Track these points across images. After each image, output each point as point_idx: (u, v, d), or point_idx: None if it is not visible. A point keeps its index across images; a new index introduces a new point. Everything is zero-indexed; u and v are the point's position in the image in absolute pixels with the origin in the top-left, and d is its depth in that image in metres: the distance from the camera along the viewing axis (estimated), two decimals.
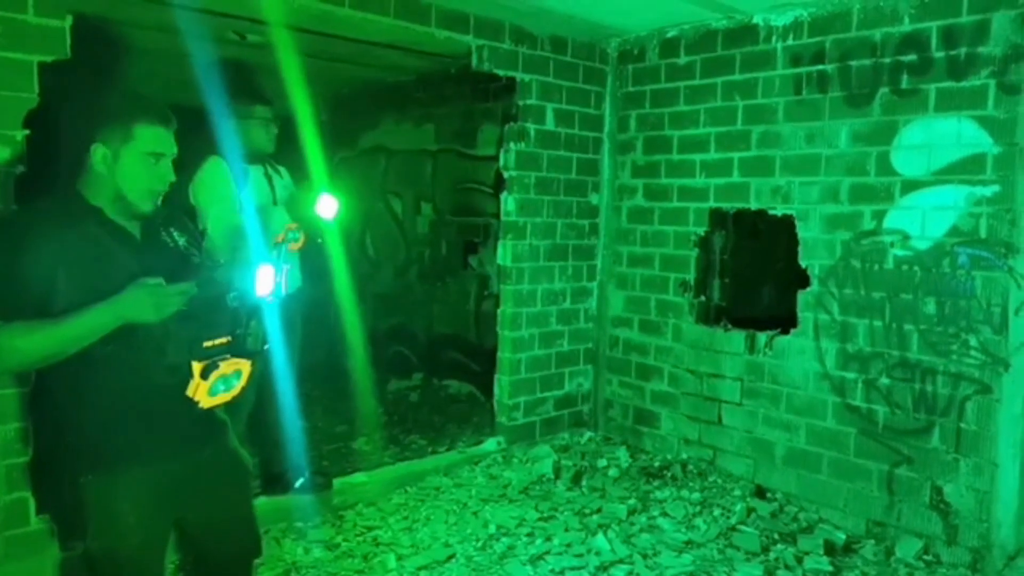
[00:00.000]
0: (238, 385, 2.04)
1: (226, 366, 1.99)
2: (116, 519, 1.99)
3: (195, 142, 3.60)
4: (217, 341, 1.99)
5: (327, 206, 3.60)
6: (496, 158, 4.98)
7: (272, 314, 2.21)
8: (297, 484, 3.85)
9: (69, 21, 2.92)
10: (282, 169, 3.77)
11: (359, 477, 4.15)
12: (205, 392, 1.96)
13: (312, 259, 3.84)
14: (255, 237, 3.53)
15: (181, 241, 2.17)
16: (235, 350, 2.02)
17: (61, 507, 2.03)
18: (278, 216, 3.58)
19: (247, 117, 3.62)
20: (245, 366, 2.03)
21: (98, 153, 1.97)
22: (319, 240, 3.72)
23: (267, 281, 2.10)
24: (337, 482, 4.04)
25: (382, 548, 3.50)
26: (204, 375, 1.95)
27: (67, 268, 1.90)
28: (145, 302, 1.91)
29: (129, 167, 1.98)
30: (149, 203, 2.03)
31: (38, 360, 1.90)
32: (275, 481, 3.84)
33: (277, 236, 3.53)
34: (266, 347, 2.15)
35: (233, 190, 3.53)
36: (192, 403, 1.98)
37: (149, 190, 2.02)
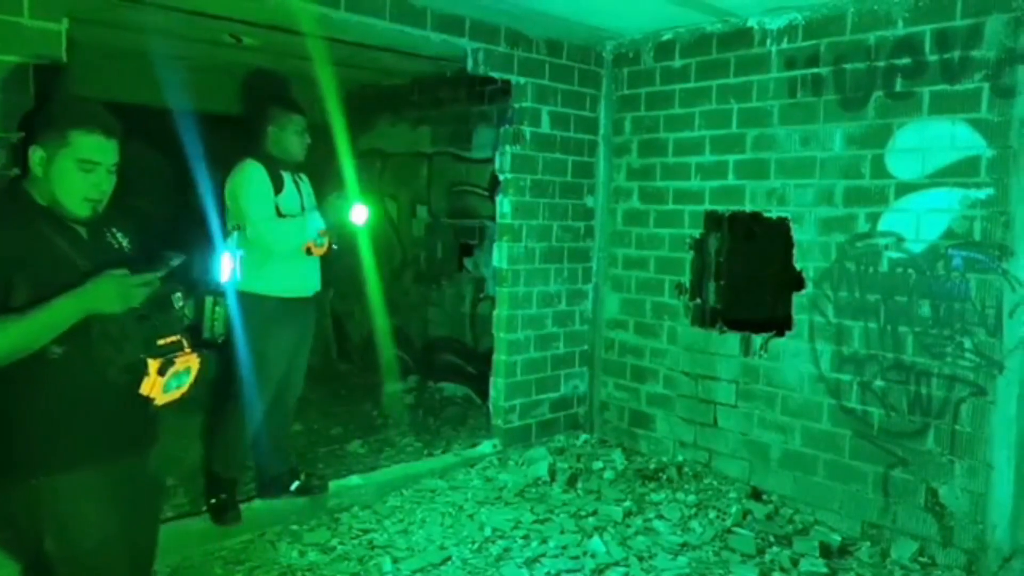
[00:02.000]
0: (188, 382, 2.08)
1: (179, 363, 2.02)
2: (75, 519, 2.00)
3: (233, 146, 3.64)
4: (170, 339, 2.04)
5: (359, 213, 3.71)
6: (492, 161, 4.99)
7: (231, 299, 2.24)
8: (293, 487, 3.85)
9: (65, 24, 2.92)
10: (304, 176, 3.79)
11: (354, 480, 4.15)
12: (160, 389, 1.99)
13: (329, 264, 3.87)
14: (289, 239, 3.58)
15: (124, 242, 2.18)
16: (198, 339, 2.08)
17: (11, 513, 2.00)
18: (312, 221, 3.60)
19: (284, 125, 3.64)
20: (195, 363, 2.07)
21: (35, 155, 1.98)
22: (335, 247, 3.75)
23: (227, 268, 2.13)
24: (333, 485, 4.03)
25: (378, 551, 3.50)
26: (161, 372, 1.98)
27: (24, 267, 1.90)
28: (111, 293, 1.92)
29: (62, 172, 1.98)
30: (84, 209, 2.02)
31: (1, 357, 1.87)
32: (271, 484, 3.84)
33: (310, 242, 3.60)
34: (222, 337, 2.19)
35: (271, 194, 3.56)
36: (144, 402, 1.99)
37: (83, 197, 2.00)
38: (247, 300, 3.48)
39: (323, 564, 3.36)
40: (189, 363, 2.06)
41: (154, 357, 1.98)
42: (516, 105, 4.73)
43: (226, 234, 3.56)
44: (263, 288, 3.52)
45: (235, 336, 3.51)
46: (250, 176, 3.53)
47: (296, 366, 3.81)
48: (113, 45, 5.03)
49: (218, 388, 3.60)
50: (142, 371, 1.97)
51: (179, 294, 2.09)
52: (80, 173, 1.98)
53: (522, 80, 4.65)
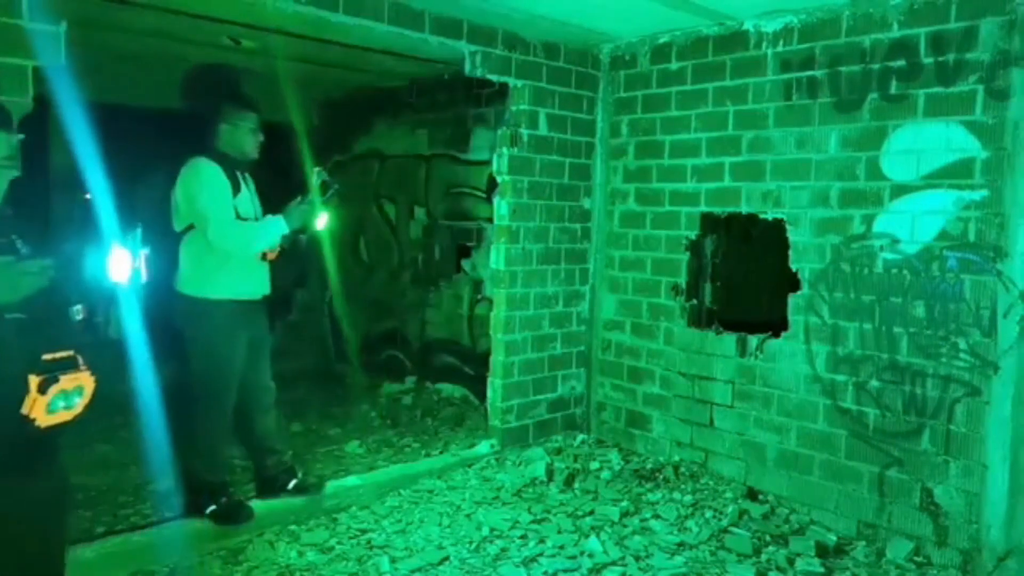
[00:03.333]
0: (80, 403, 1.90)
1: (67, 381, 1.84)
2: None
3: (184, 144, 3.56)
4: (59, 355, 1.86)
5: (321, 219, 3.71)
6: (489, 163, 5.00)
7: (132, 300, 2.15)
8: (290, 486, 3.86)
9: (64, 27, 2.93)
10: (249, 176, 3.72)
11: (353, 480, 4.16)
12: (43, 409, 1.82)
13: (303, 265, 3.84)
14: (257, 243, 3.56)
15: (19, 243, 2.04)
16: (93, 338, 1.93)
17: None
18: (276, 226, 3.58)
19: (238, 123, 3.59)
20: (88, 381, 1.90)
21: None
22: (301, 249, 3.73)
23: (122, 266, 2.00)
24: (331, 485, 4.05)
25: (376, 551, 3.51)
26: (42, 389, 1.80)
27: None
28: None
29: None
30: None
31: None
32: (268, 484, 3.85)
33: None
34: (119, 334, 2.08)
35: (230, 195, 3.52)
36: (26, 423, 1.80)
37: None
38: (204, 305, 3.50)
39: (321, 564, 3.38)
40: (80, 382, 1.88)
41: (36, 373, 1.81)
42: (513, 107, 4.75)
43: (178, 235, 3.50)
44: (220, 292, 3.51)
45: (194, 343, 3.53)
46: (208, 176, 3.46)
47: (260, 368, 3.79)
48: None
49: (184, 400, 3.56)
50: (22, 388, 1.80)
51: (79, 306, 1.94)
52: None
53: (519, 83, 4.67)
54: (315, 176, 3.71)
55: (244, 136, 3.60)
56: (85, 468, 4.04)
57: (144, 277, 2.28)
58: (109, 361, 2.08)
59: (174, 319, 3.53)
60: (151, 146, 4.51)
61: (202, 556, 3.39)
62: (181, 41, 4.93)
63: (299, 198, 3.68)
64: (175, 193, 3.50)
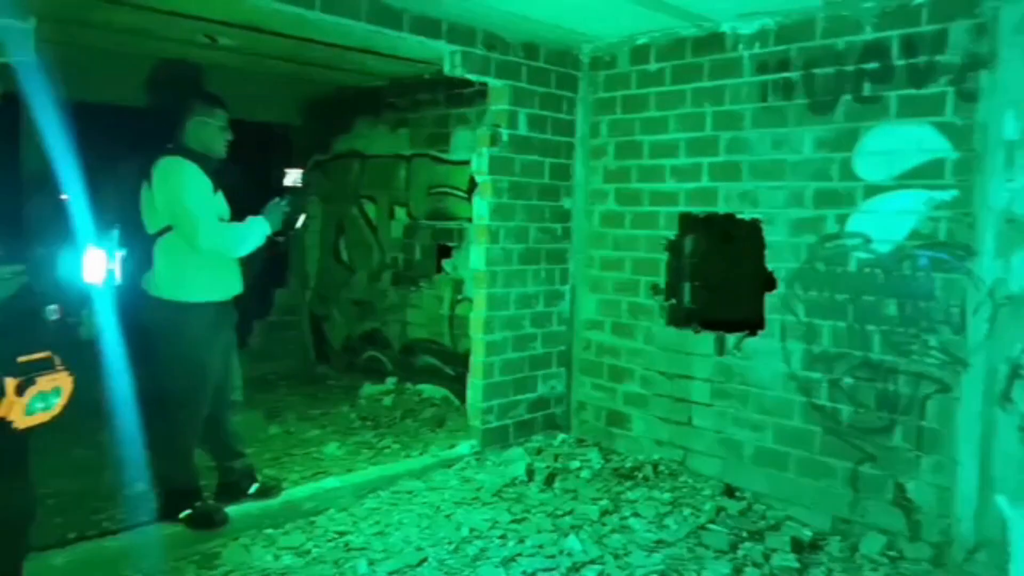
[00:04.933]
0: (58, 403, 1.91)
1: (44, 382, 1.86)
2: None
3: (156, 143, 3.50)
4: (34, 356, 1.87)
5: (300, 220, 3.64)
6: (470, 163, 5.01)
7: (106, 302, 2.14)
8: (251, 491, 3.82)
9: (33, 23, 2.91)
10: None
11: (331, 482, 4.14)
12: (21, 411, 1.83)
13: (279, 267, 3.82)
14: (245, 245, 3.53)
15: None
16: (66, 340, 1.92)
17: None
18: (260, 227, 3.56)
19: (207, 120, 3.53)
20: (66, 382, 1.91)
21: None
22: (279, 240, 3.70)
23: (97, 267, 1.99)
24: (308, 487, 4.04)
25: (353, 553, 3.49)
26: (20, 391, 1.81)
27: None
28: None
29: None
30: None
31: None
32: (231, 488, 3.80)
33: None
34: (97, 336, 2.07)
35: (212, 195, 3.48)
36: (2, 426, 1.81)
37: None
38: (182, 309, 3.44)
39: (298, 567, 3.36)
40: (58, 383, 1.89)
41: (12, 375, 1.82)
42: (493, 107, 4.77)
43: (154, 236, 3.43)
44: (198, 295, 3.47)
45: (171, 347, 3.47)
46: (191, 176, 3.41)
47: (230, 368, 3.77)
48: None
49: (159, 404, 3.51)
50: None
51: (53, 307, 1.94)
52: None
53: (499, 83, 4.68)
54: (292, 177, 3.70)
55: (213, 134, 3.55)
56: (57, 472, 3.99)
57: (118, 279, 2.26)
58: (83, 363, 2.06)
59: (147, 323, 3.45)
60: (128, 145, 4.48)
61: (176, 561, 3.36)
62: (157, 38, 4.91)
63: (277, 199, 3.66)
64: (151, 193, 3.41)
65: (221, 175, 3.58)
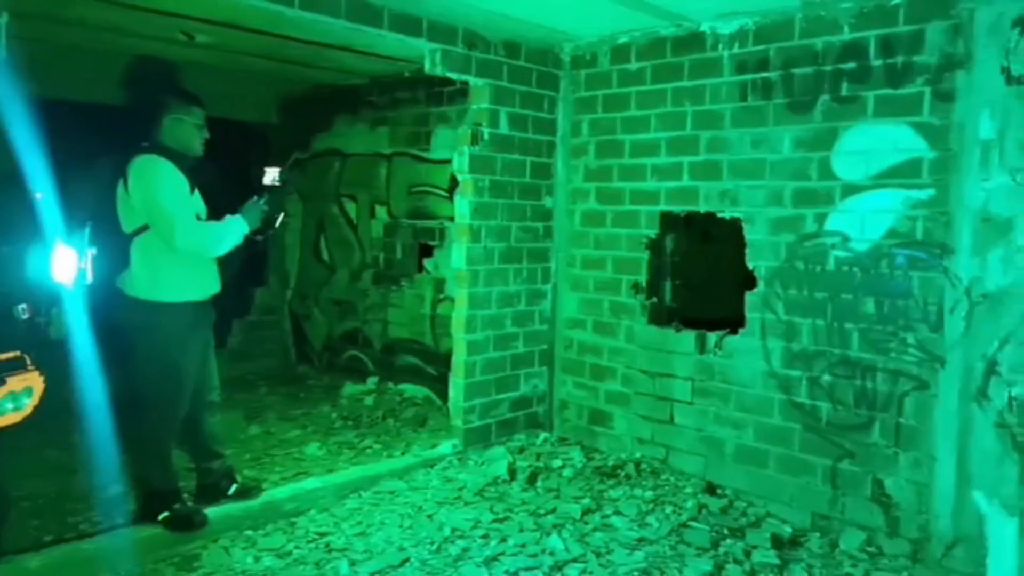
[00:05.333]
0: (29, 404, 1.90)
1: (14, 382, 1.85)
2: None
3: (130, 140, 3.45)
4: (4, 356, 1.86)
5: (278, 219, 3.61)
6: (451, 161, 4.99)
7: (77, 301, 2.11)
8: (231, 491, 3.78)
9: (5, 19, 2.86)
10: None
11: (312, 483, 4.11)
12: None
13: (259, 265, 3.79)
14: (224, 244, 3.49)
15: None
16: (36, 339, 1.91)
17: None
18: (238, 226, 3.53)
19: (184, 118, 3.49)
20: (37, 382, 1.90)
21: None
22: (258, 239, 3.67)
23: (68, 266, 1.97)
24: (289, 488, 4.01)
25: (335, 554, 3.47)
26: None
27: None
28: None
29: None
30: None
31: None
32: (209, 490, 3.77)
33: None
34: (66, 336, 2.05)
35: (189, 194, 3.44)
36: None
37: None
38: (160, 309, 3.41)
39: (278, 569, 3.33)
40: (29, 382, 1.88)
41: None
42: (474, 106, 4.76)
43: (130, 235, 3.39)
44: (176, 295, 3.44)
45: (149, 348, 3.44)
46: (168, 175, 3.36)
47: (208, 368, 3.74)
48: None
49: (135, 405, 3.49)
50: None
51: (23, 306, 1.93)
52: None
53: (480, 81, 4.67)
54: (271, 176, 3.67)
55: (190, 132, 3.51)
56: (31, 474, 3.94)
57: (90, 278, 2.23)
58: (54, 363, 2.03)
59: (122, 323, 3.41)
60: (103, 143, 4.42)
61: (155, 564, 3.32)
62: (133, 36, 4.84)
63: (255, 198, 3.63)
64: (127, 192, 3.35)
65: (198, 173, 3.54)
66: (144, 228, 3.39)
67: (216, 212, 3.58)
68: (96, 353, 2.95)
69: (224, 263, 3.66)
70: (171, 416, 3.55)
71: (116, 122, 4.46)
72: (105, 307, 3.20)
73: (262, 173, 3.77)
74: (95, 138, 4.82)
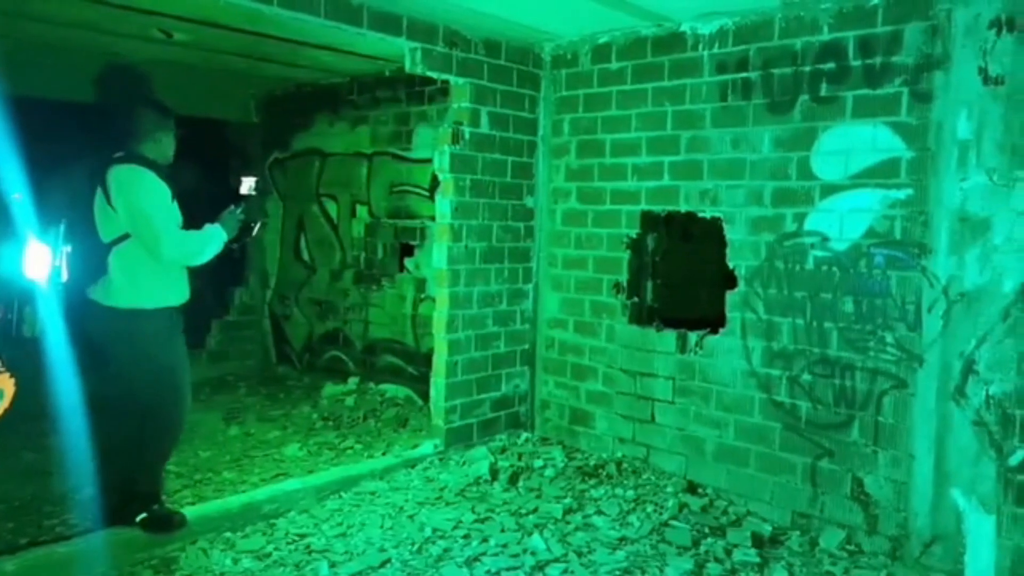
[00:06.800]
0: (0, 406, 1.88)
1: None
2: None
3: (103, 139, 3.42)
4: None
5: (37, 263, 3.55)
6: (432, 161, 4.97)
7: (51, 300, 2.08)
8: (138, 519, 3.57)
9: None
10: None
11: (292, 484, 4.08)
12: None
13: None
14: (206, 253, 3.48)
15: None
16: (7, 337, 1.89)
17: None
18: (218, 235, 3.52)
19: (161, 127, 3.50)
20: (7, 384, 1.87)
21: None
22: (234, 248, 3.66)
23: (40, 263, 1.93)
24: (268, 489, 3.98)
25: (315, 556, 3.44)
26: None
27: None
28: None
29: None
30: None
31: None
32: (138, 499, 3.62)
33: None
34: (38, 334, 2.02)
35: (172, 203, 3.43)
36: None
37: None
38: (143, 316, 3.38)
39: (257, 571, 3.30)
40: (0, 384, 1.86)
41: None
42: (455, 105, 4.74)
43: (110, 243, 3.34)
44: (157, 301, 3.43)
45: (140, 356, 3.41)
46: (154, 186, 3.36)
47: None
48: None
49: (132, 414, 3.45)
50: None
51: None
52: None
53: (461, 80, 4.65)
54: (247, 185, 3.66)
55: (166, 142, 3.53)
56: (6, 477, 3.88)
57: (65, 276, 2.18)
58: (27, 363, 1.99)
59: (101, 334, 3.37)
60: (80, 141, 4.36)
61: (133, 566, 3.28)
62: (109, 34, 4.78)
63: (232, 207, 3.62)
64: (109, 202, 3.31)
65: (173, 180, 3.53)
66: (124, 237, 3.35)
67: (191, 216, 3.56)
68: (71, 352, 2.90)
69: (196, 269, 3.65)
70: (178, 420, 3.56)
71: (92, 120, 4.41)
72: (79, 316, 3.17)
73: (239, 182, 3.77)
74: (71, 136, 4.77)
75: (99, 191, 3.33)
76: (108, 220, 3.34)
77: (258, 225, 3.78)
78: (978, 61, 3.35)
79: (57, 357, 2.90)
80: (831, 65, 3.79)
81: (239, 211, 3.61)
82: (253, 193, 3.70)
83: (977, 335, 3.38)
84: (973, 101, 3.37)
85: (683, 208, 4.40)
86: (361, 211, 6.40)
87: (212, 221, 3.53)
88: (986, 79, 3.34)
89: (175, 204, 3.47)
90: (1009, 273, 3.30)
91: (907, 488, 3.60)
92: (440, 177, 4.72)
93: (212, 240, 3.49)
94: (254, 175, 3.79)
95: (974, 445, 3.39)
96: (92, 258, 3.30)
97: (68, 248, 2.56)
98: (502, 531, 3.73)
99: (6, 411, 1.90)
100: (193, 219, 3.54)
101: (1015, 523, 3.30)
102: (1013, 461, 3.30)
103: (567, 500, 4.09)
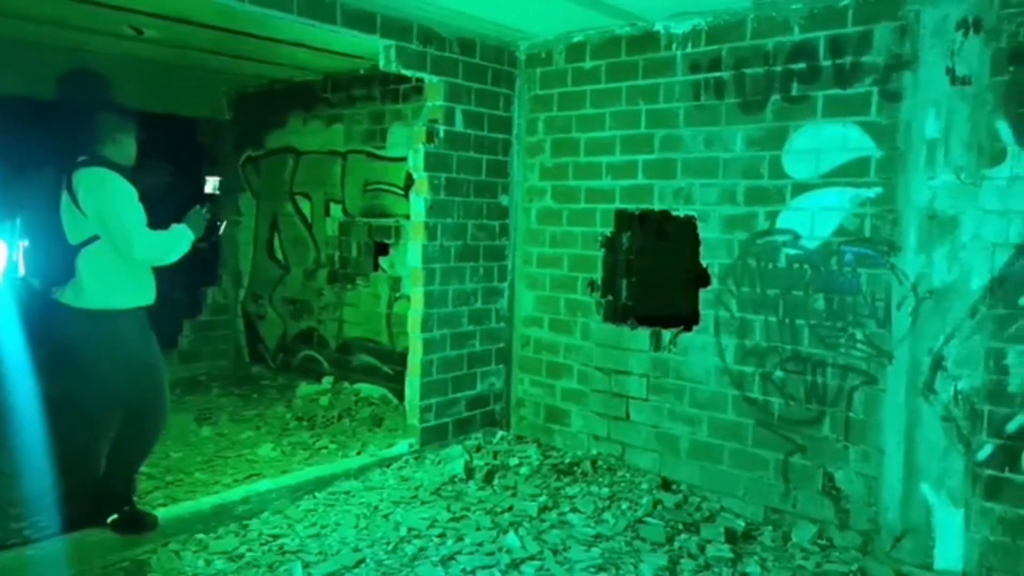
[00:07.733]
0: None
1: None
2: None
3: (66, 137, 3.39)
4: None
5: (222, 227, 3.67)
6: (407, 159, 4.95)
7: (7, 294, 2.03)
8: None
9: None
10: None
11: (265, 484, 4.05)
12: None
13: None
14: (175, 254, 3.47)
15: None
16: None
17: None
18: (186, 236, 3.53)
19: (124, 130, 3.49)
20: None
21: None
22: (202, 246, 3.65)
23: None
24: (241, 490, 3.94)
25: (288, 556, 3.41)
26: None
27: None
28: None
29: None
30: None
31: None
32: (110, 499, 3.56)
33: None
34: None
35: (137, 200, 3.39)
36: None
37: None
38: (116, 317, 3.37)
39: (230, 573, 3.26)
40: None
41: None
42: (429, 103, 4.72)
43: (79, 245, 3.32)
44: (129, 301, 3.43)
45: (120, 358, 3.39)
46: (123, 190, 3.34)
47: None
48: None
49: (109, 413, 3.44)
50: None
51: None
52: None
53: (435, 78, 4.64)
54: (211, 185, 3.66)
55: (131, 143, 3.52)
56: None
57: (22, 271, 2.14)
58: None
59: (71, 336, 3.33)
60: (45, 139, 4.28)
61: (103, 568, 3.23)
62: (79, 30, 4.70)
63: (198, 207, 3.61)
64: (76, 204, 3.28)
65: (138, 178, 3.51)
66: (93, 239, 3.32)
67: (160, 214, 3.53)
68: (29, 352, 2.84)
69: (168, 269, 3.64)
70: (161, 418, 3.56)
71: (60, 118, 4.33)
72: (39, 318, 3.12)
73: (203, 182, 3.77)
74: (38, 134, 4.68)
75: (65, 194, 3.31)
76: (76, 222, 3.31)
77: (224, 223, 3.78)
78: (946, 61, 3.41)
79: (14, 357, 2.85)
80: (802, 65, 3.83)
81: (204, 211, 3.62)
82: (217, 192, 3.71)
83: (945, 332, 3.44)
84: (941, 101, 3.43)
85: (657, 207, 4.43)
86: (335, 210, 6.36)
87: (179, 220, 3.53)
88: (954, 79, 3.39)
89: (140, 204, 3.45)
90: (976, 270, 3.35)
91: (877, 483, 3.65)
92: (415, 175, 4.70)
93: (180, 240, 3.50)
94: (218, 174, 3.77)
95: (943, 440, 3.45)
96: (54, 260, 3.28)
97: (25, 243, 2.51)
98: (477, 529, 3.72)
99: None
100: (163, 218, 3.51)
101: (983, 517, 3.36)
102: (981, 456, 3.37)
103: (542, 498, 4.10)
